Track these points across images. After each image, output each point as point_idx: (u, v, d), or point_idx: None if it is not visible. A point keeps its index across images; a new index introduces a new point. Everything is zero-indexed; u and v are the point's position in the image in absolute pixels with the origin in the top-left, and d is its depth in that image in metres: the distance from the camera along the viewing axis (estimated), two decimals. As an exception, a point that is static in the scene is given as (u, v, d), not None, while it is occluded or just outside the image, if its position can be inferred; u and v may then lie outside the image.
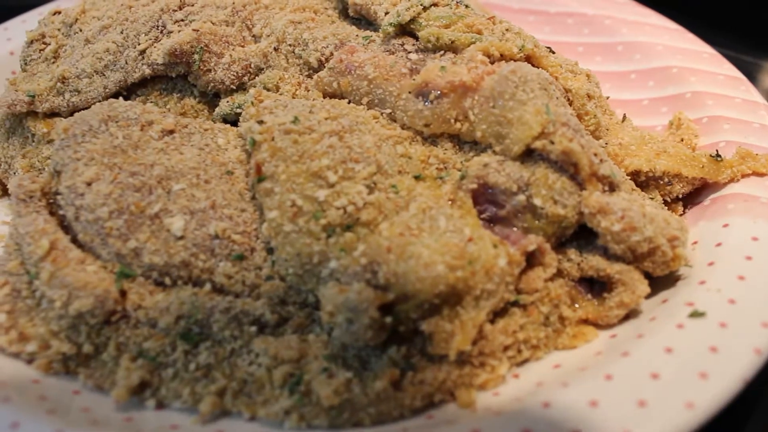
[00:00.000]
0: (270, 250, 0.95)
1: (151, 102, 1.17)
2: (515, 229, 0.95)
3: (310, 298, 0.93)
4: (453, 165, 1.01)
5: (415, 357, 0.89)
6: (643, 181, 1.07)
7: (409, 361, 0.88)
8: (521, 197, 0.94)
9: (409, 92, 1.03)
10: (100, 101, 1.17)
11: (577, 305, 0.96)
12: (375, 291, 0.86)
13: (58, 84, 1.17)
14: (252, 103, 1.06)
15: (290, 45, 1.15)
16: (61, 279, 0.92)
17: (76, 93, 1.17)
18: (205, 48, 1.14)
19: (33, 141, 1.18)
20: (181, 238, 0.93)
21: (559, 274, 0.97)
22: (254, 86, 1.14)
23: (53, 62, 1.22)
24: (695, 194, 1.10)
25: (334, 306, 0.86)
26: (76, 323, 0.92)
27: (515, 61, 1.06)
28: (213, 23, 1.17)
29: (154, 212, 0.95)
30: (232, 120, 1.13)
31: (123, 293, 0.93)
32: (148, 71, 1.16)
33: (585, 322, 0.95)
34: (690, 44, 1.35)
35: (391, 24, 1.10)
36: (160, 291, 0.94)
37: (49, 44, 1.24)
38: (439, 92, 1.01)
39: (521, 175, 0.95)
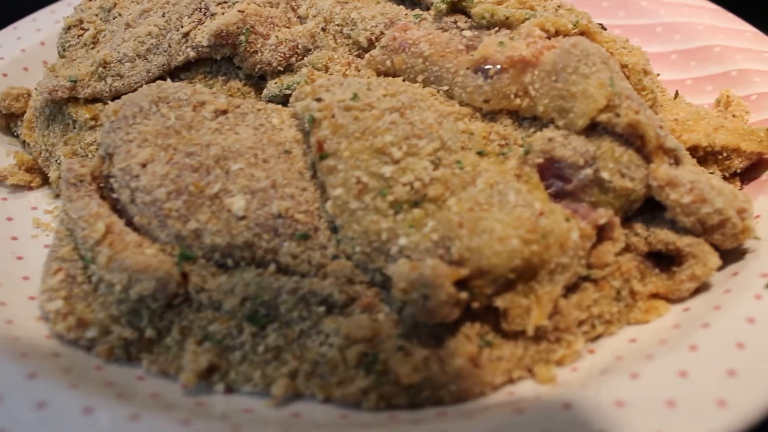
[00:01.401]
0: (334, 229, 0.93)
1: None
2: (583, 203, 0.93)
3: (377, 277, 0.91)
4: (514, 141, 0.99)
5: (490, 334, 0.87)
6: (702, 156, 1.06)
7: (484, 338, 0.87)
8: (588, 171, 0.92)
9: (467, 68, 1.01)
10: (143, 85, 1.14)
11: (646, 279, 0.94)
12: (449, 266, 0.84)
13: (100, 69, 1.14)
14: (306, 81, 1.04)
15: (338, 25, 1.13)
16: (120, 263, 0.90)
17: (119, 77, 1.14)
18: (251, 29, 1.11)
19: (74, 127, 1.15)
20: (243, 218, 0.91)
21: (627, 248, 0.95)
22: (302, 67, 1.12)
23: (92, 47, 1.20)
24: (752, 169, 1.09)
25: (408, 283, 0.83)
26: (138, 307, 0.89)
27: (569, 35, 1.05)
28: (257, 4, 1.15)
29: (213, 192, 0.93)
30: (280, 101, 1.11)
31: (184, 276, 0.90)
32: (192, 54, 1.14)
33: (655, 296, 0.94)
34: (731, 23, 1.34)
35: (443, 1, 1.08)
36: (222, 273, 0.91)
37: (88, 29, 1.21)
38: (498, 67, 0.99)
39: (587, 148, 0.93)
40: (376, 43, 1.10)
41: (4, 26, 1.41)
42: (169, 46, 1.14)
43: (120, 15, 1.21)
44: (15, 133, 1.25)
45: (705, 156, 1.06)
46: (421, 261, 0.86)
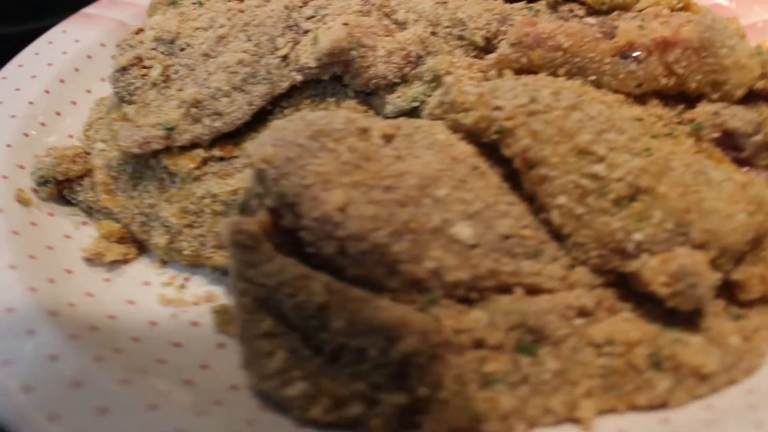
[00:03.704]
0: (557, 238, 0.89)
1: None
2: (760, 168, 0.99)
3: (610, 278, 0.89)
4: (669, 120, 1.02)
5: (731, 307, 0.90)
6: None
7: (730, 312, 0.89)
8: (758, 137, 0.98)
9: (613, 56, 1.01)
10: (246, 121, 1.01)
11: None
12: (699, 252, 0.85)
13: (192, 110, 0.98)
14: (459, 90, 0.97)
15: (447, 27, 1.07)
16: (364, 324, 0.79)
17: (217, 116, 0.99)
18: (359, 43, 1.02)
19: (173, 182, 0.98)
20: (476, 246, 0.85)
21: (785, 206, 1.03)
22: (419, 76, 1.04)
23: (165, 87, 1.02)
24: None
25: (669, 276, 0.84)
26: (402, 368, 0.80)
27: (675, 11, 1.09)
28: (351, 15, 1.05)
29: (435, 225, 0.85)
30: (405, 115, 1.03)
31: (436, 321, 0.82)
32: (299, 78, 1.01)
33: (818, 245, 1.02)
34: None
35: (556, -9, 1.07)
36: (468, 308, 0.85)
37: (151, 67, 1.02)
38: (644, 51, 1.00)
39: (752, 117, 0.99)
40: (493, 41, 1.06)
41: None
42: (269, 73, 1.01)
43: (189, 45, 1.04)
44: (72, 201, 1.04)
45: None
46: (665, 252, 0.86)
